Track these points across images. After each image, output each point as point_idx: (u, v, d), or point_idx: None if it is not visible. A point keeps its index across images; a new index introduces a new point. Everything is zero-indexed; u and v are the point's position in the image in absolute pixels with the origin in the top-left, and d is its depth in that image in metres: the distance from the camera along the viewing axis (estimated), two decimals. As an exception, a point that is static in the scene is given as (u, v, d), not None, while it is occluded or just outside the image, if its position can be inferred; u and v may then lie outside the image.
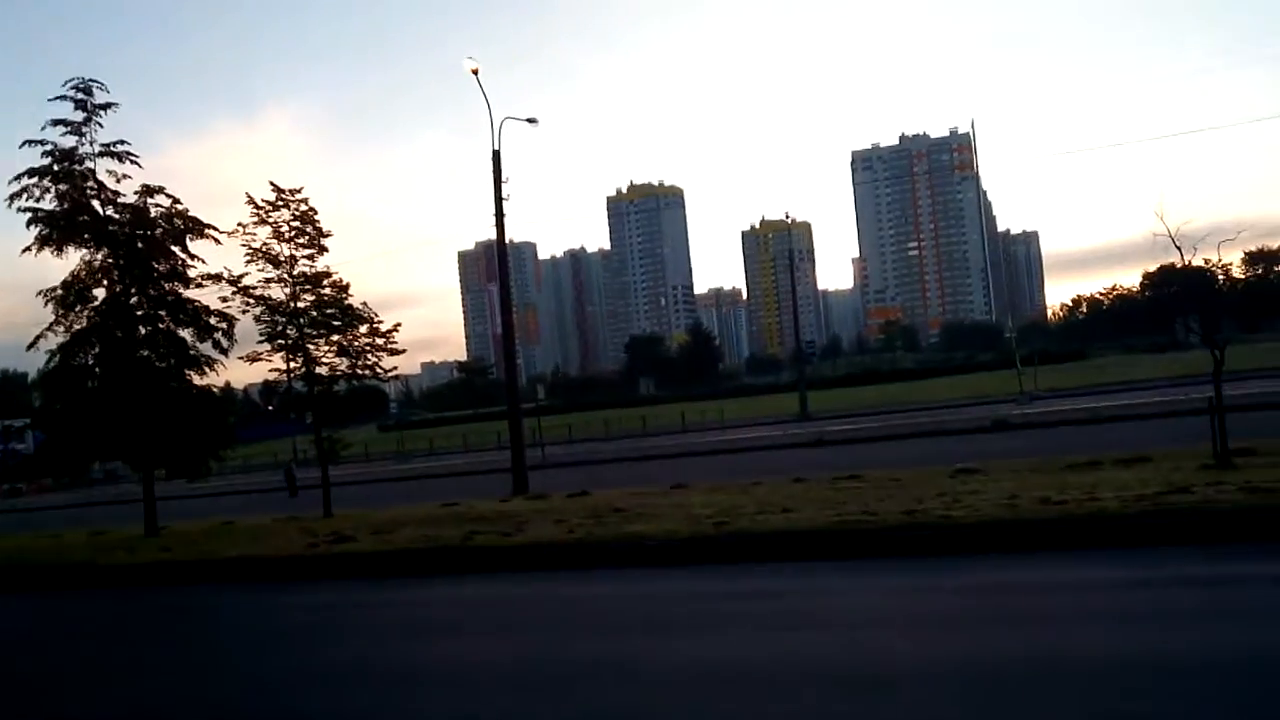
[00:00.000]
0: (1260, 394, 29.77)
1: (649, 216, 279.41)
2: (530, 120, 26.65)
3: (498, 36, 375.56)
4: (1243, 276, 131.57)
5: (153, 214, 21.66)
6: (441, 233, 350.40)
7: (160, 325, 22.18)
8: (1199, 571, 9.13)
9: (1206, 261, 17.93)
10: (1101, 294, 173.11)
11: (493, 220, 26.16)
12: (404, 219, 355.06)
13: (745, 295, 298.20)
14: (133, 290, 21.77)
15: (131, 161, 21.38)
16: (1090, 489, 12.77)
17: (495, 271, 33.92)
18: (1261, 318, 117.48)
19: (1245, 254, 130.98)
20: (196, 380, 22.58)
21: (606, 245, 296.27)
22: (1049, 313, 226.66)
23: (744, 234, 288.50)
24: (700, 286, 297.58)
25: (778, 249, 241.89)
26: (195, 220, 22.02)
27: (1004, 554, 10.75)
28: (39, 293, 21.57)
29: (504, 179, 26.03)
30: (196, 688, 8.69)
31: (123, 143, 21.37)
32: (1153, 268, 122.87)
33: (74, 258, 21.54)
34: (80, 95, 21.01)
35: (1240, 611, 7.69)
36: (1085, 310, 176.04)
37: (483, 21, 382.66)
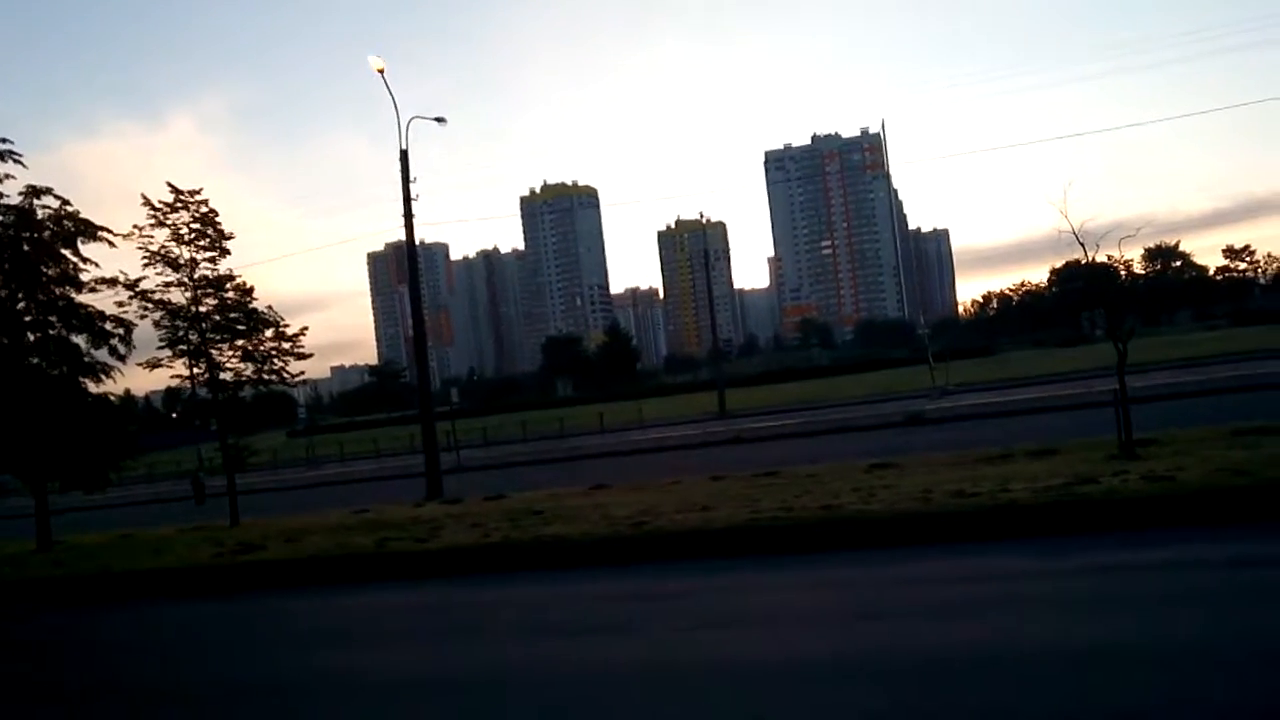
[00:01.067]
0: (1163, 385, 30.82)
1: (563, 216, 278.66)
2: (439, 120, 26.21)
3: (406, 35, 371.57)
4: (1143, 272, 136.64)
5: (39, 215, 20.65)
6: (351, 234, 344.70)
7: (51, 331, 21.16)
8: (1104, 559, 9.28)
9: (1109, 258, 18.47)
10: (1011, 290, 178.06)
11: (402, 221, 25.67)
12: (313, 221, 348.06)
13: (662, 295, 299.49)
14: (20, 295, 20.73)
15: (15, 161, 20.36)
16: (1002, 481, 12.94)
17: (406, 273, 33.31)
18: (1162, 311, 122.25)
19: (1145, 250, 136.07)
20: (92, 388, 21.64)
21: (521, 246, 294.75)
22: (960, 309, 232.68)
23: (659, 234, 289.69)
24: (617, 286, 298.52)
25: (693, 249, 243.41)
26: (87, 222, 21.05)
27: (919, 546, 10.82)
28: (-85, 297, 20.43)
29: (412, 179, 25.58)
30: (104, 706, 8.23)
31: (5, 141, 20.34)
32: (1059, 264, 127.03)
33: (-47, 261, 20.45)
34: (-44, 92, 19.93)
35: (1139, 597, 7.82)
36: (995, 306, 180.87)
37: (390, 21, 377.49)
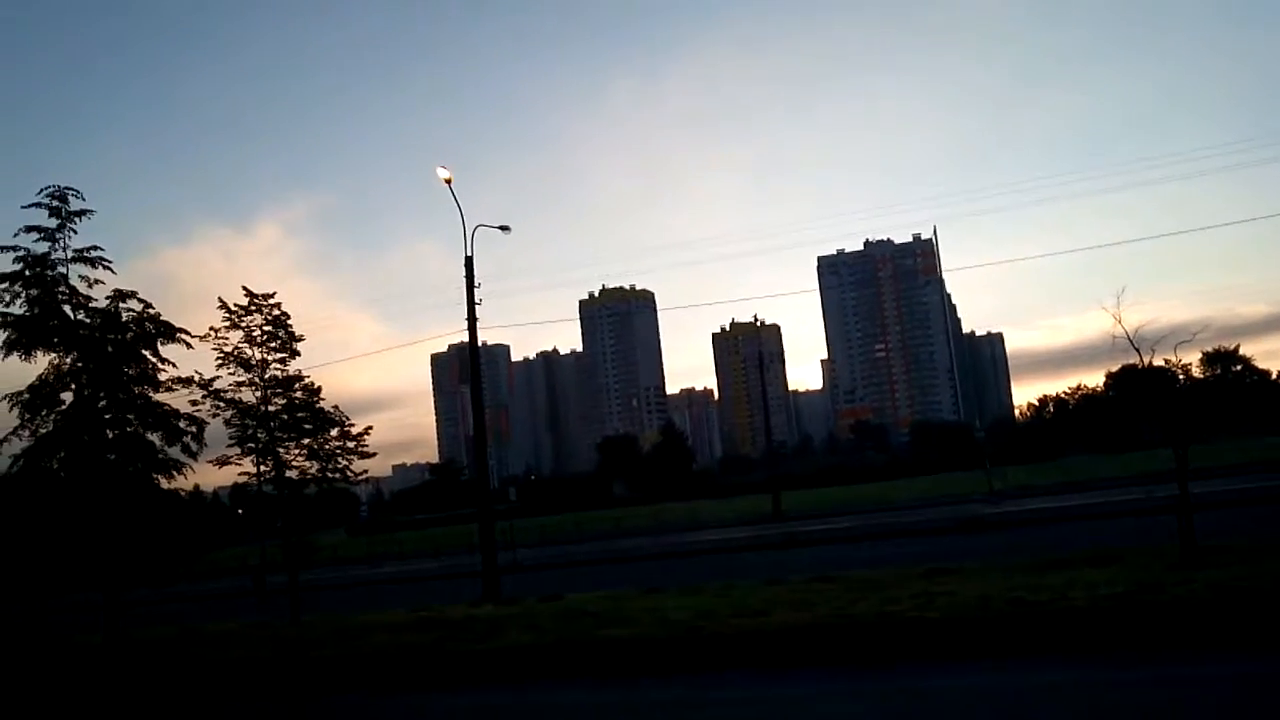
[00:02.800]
0: (1226, 492, 30.10)
1: (620, 319, 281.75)
2: (503, 228, 27.08)
3: (474, 142, 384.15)
4: (1203, 376, 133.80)
5: (124, 318, 21.59)
6: (415, 336, 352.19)
7: (128, 429, 21.91)
8: (1172, 673, 9.13)
9: (1166, 361, 18.36)
10: (1067, 393, 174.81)
11: (465, 324, 26.38)
12: (382, 324, 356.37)
13: (717, 396, 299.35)
14: (101, 394, 21.54)
15: (104, 267, 21.37)
16: (1061, 589, 12.79)
17: (468, 374, 34.01)
18: (1224, 416, 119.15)
19: (1204, 354, 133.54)
20: (164, 484, 22.24)
21: (579, 347, 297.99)
22: (1016, 412, 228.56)
23: (714, 336, 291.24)
24: (672, 387, 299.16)
25: (747, 351, 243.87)
26: (166, 324, 21.95)
27: (979, 657, 10.70)
28: (3, 397, 21.33)
29: (476, 284, 26.34)
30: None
31: (96, 248, 21.38)
32: (1115, 368, 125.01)
33: (42, 361, 21.38)
34: (55, 203, 21.09)
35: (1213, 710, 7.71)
36: (1052, 410, 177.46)
37: (459, 128, 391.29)
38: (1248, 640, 9.95)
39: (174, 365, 22.20)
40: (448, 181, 25.54)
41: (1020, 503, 41.32)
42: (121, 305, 21.57)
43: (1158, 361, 18.01)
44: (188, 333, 22.20)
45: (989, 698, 9.17)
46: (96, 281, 21.36)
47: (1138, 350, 16.42)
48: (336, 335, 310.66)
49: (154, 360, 21.94)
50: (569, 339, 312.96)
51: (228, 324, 22.21)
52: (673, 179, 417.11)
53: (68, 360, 21.44)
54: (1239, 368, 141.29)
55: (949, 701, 9.24)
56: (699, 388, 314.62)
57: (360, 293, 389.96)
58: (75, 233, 21.30)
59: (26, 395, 21.08)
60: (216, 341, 22.16)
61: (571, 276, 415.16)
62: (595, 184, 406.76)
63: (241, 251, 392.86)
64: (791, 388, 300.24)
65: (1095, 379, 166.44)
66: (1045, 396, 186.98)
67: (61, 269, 21.21)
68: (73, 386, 21.55)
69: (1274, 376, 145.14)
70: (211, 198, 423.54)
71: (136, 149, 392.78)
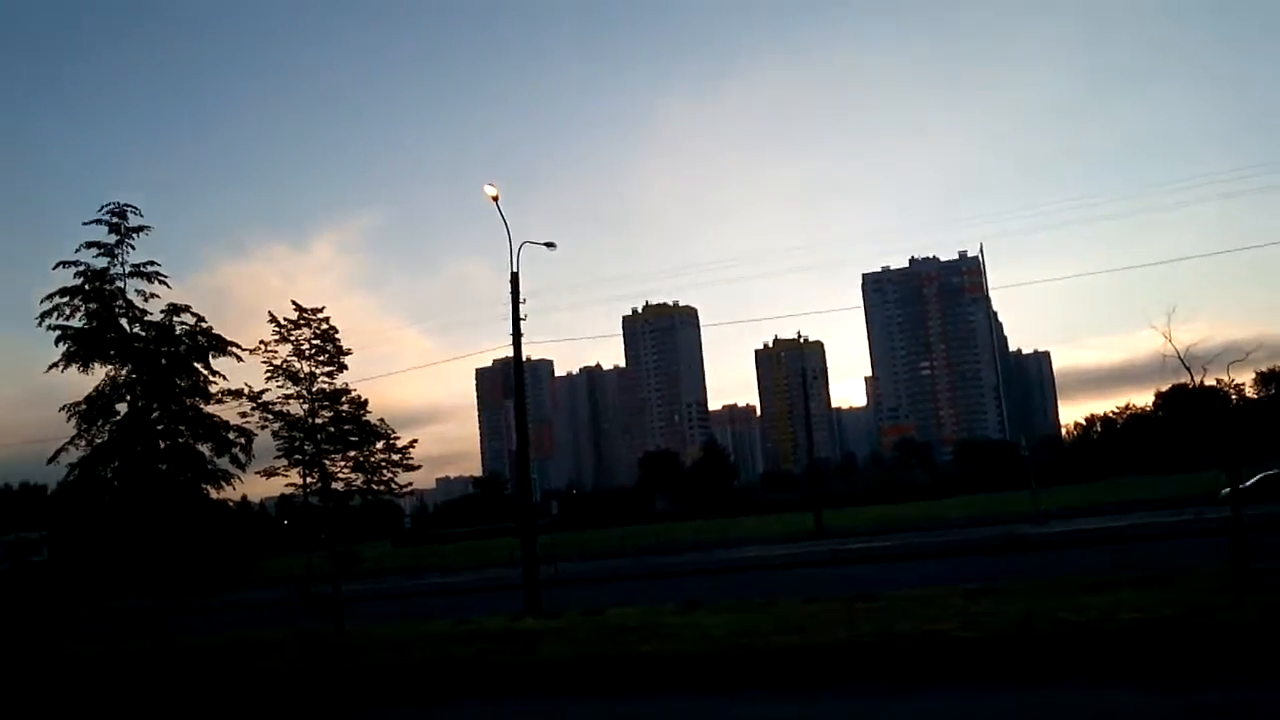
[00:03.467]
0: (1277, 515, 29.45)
1: (664, 335, 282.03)
2: (548, 245, 27.34)
3: (524, 164, 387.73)
4: (1256, 396, 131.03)
5: (177, 331, 22.09)
6: (460, 351, 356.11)
7: (180, 440, 22.37)
8: (1224, 699, 8.99)
9: (1219, 381, 18.01)
10: (1115, 413, 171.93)
11: (510, 339, 26.64)
12: (430, 338, 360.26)
13: (759, 412, 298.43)
14: (154, 405, 22.04)
15: (160, 281, 21.92)
16: (1108, 610, 12.63)
17: (512, 389, 34.29)
18: (1276, 438, 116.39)
19: (1257, 374, 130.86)
20: (213, 494, 22.67)
21: (622, 363, 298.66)
22: (1063, 431, 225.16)
23: (757, 352, 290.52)
24: (714, 403, 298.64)
25: (791, 367, 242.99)
26: (218, 338, 22.42)
27: (1020, 678, 10.61)
28: (62, 407, 21.85)
29: (522, 300, 26.59)
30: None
31: (153, 263, 21.93)
32: (1165, 387, 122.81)
33: (99, 373, 21.92)
34: (114, 219, 21.66)
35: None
36: (1099, 429, 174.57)
37: (507, 145, 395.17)
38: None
39: (224, 377, 22.66)
40: (495, 199, 25.85)
41: (1066, 523, 40.72)
42: (175, 319, 22.09)
43: (1209, 381, 17.73)
44: (238, 346, 22.65)
45: (1028, 717, 9.10)
46: (152, 295, 21.92)
47: (1188, 369, 16.20)
48: (386, 350, 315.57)
49: (205, 372, 22.40)
50: (612, 355, 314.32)
51: (277, 337, 22.60)
52: (721, 197, 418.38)
53: (123, 372, 21.96)
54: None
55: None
56: (741, 404, 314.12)
57: (410, 308, 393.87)
58: (133, 248, 21.88)
59: (84, 406, 21.63)
60: (266, 354, 22.55)
61: (616, 292, 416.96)
62: (644, 202, 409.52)
63: (298, 268, 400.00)
64: (835, 405, 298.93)
65: (1144, 399, 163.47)
66: (1093, 416, 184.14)
67: (119, 283, 21.79)
68: (127, 398, 22.06)
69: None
70: (270, 215, 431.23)
71: (198, 165, 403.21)
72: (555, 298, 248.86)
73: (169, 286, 22.07)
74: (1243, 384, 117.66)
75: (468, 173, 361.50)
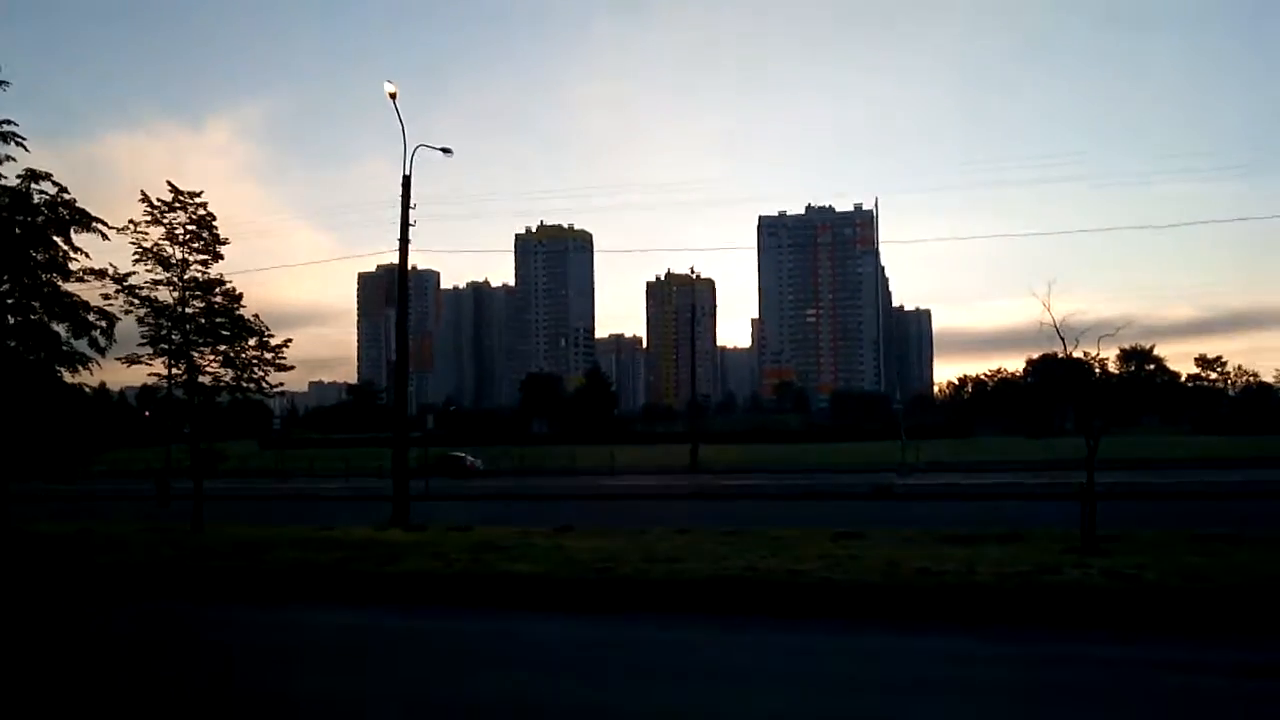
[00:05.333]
0: (1127, 484, 31.10)
1: (556, 258, 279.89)
2: (445, 150, 26.34)
3: (434, 61, 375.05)
4: (1117, 372, 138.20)
5: (35, 200, 20.62)
6: (344, 252, 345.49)
7: (32, 317, 21.03)
8: (1062, 651, 9.36)
9: (1086, 354, 18.68)
10: (987, 375, 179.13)
11: (397, 245, 25.75)
12: (322, 235, 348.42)
13: (645, 344, 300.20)
14: (5, 277, 20.63)
15: (17, 143, 20.32)
16: (966, 563, 13.02)
17: (394, 296, 33.33)
18: (1132, 412, 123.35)
19: (1121, 350, 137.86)
20: (68, 377, 21.47)
21: (511, 282, 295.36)
22: (936, 388, 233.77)
23: (649, 284, 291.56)
24: (601, 331, 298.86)
25: (681, 303, 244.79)
26: (82, 212, 21.00)
27: (880, 619, 10.88)
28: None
29: (412, 205, 25.67)
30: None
31: (9, 122, 20.30)
32: (1036, 355, 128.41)
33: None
34: (-38, 71, 19.97)
35: (1094, 692, 7.90)
36: (970, 390, 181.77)
37: (421, 43, 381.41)
38: (1136, 628, 10.24)
39: (87, 255, 21.31)
40: (393, 96, 24.73)
41: (931, 477, 42.24)
42: (34, 186, 20.59)
43: (1078, 353, 18.30)
44: (104, 223, 21.31)
45: (880, 657, 9.30)
46: (7, 158, 20.35)
47: (1062, 339, 16.64)
48: (276, 245, 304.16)
49: (65, 248, 21.04)
50: (503, 273, 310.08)
51: (149, 219, 21.33)
52: (635, 125, 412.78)
53: (-31, 238, 20.46)
54: (1152, 367, 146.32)
55: (847, 654, 9.37)
56: (628, 334, 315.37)
57: (307, 204, 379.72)
58: (-13, 104, 20.23)
59: (-80, 268, 20.10)
60: (135, 235, 21.27)
61: (515, 208, 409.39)
62: (557, 120, 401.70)
63: (190, 148, 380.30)
64: (720, 344, 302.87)
65: (1017, 364, 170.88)
66: (965, 376, 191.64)
67: (-35, 141, 20.14)
68: (-27, 266, 20.60)
69: (1182, 379, 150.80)
70: (163, 87, 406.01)
71: (86, 19, 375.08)
72: (450, 208, 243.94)
73: (27, 150, 20.53)
74: (1107, 359, 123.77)
75: (380, 66, 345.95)
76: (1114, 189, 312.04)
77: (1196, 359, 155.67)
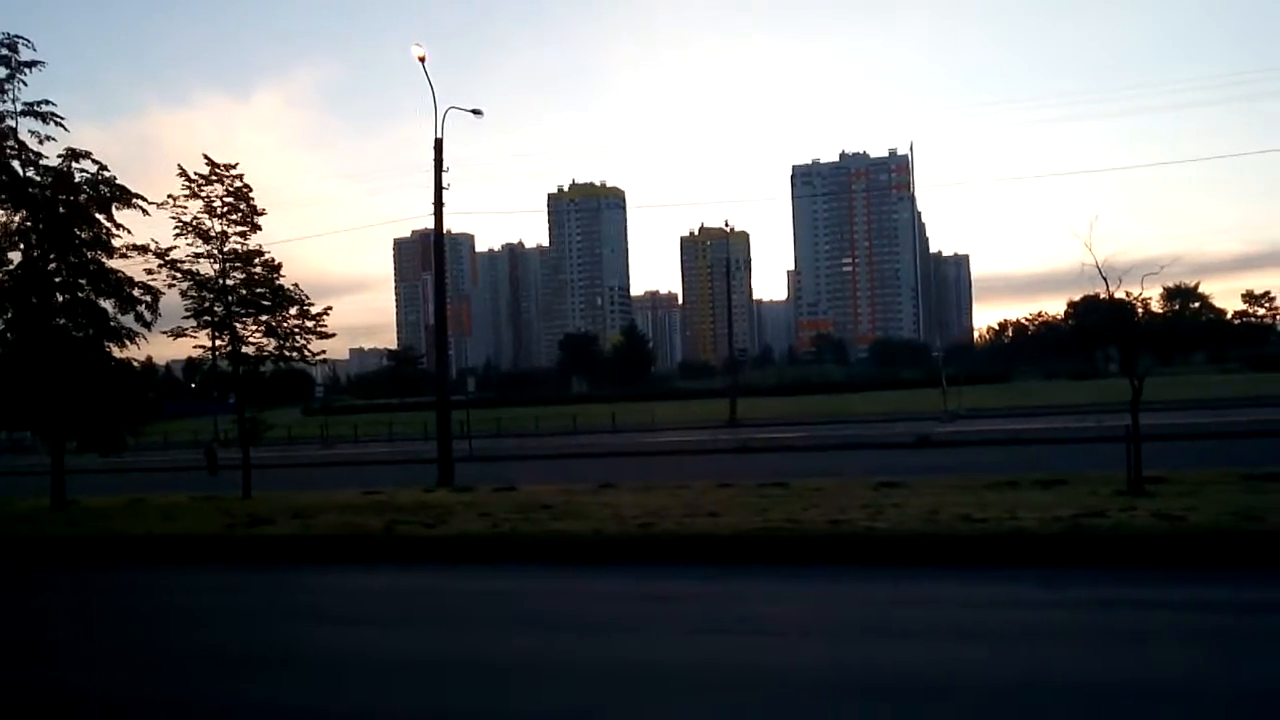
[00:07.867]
0: (1174, 425, 30.73)
1: (589, 216, 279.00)
2: (475, 111, 26.37)
3: (448, 31, 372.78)
4: (1161, 311, 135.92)
5: (76, 179, 20.94)
6: (381, 219, 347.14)
7: (80, 294, 21.45)
8: (1109, 594, 9.36)
9: (1128, 294, 18.34)
10: (1027, 320, 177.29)
11: (431, 209, 25.87)
12: (368, 202, 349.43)
13: (681, 300, 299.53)
14: (52, 256, 21.02)
15: (56, 123, 20.61)
16: (1009, 508, 13.01)
17: (431, 261, 33.48)
18: (1177, 351, 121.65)
19: (1164, 289, 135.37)
20: (116, 352, 21.91)
21: (545, 242, 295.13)
22: (976, 335, 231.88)
23: (683, 240, 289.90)
24: (637, 289, 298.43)
25: (715, 257, 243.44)
26: (122, 188, 21.33)
27: (924, 567, 10.91)
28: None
29: (445, 168, 25.74)
30: (93, 673, 8.40)
31: (47, 103, 20.59)
32: (1077, 297, 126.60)
33: (-9, 217, 20.77)
34: (3, 51, 20.21)
35: (1145, 634, 7.91)
36: (1011, 335, 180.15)
37: (435, 15, 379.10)
38: (1184, 568, 10.20)
39: (129, 231, 21.71)
40: (421, 59, 24.74)
41: (973, 424, 41.97)
42: (75, 165, 20.94)
43: (1121, 293, 17.97)
44: (144, 199, 21.64)
45: (926, 603, 9.35)
46: (48, 138, 20.66)
47: (1105, 279, 16.31)
48: (324, 214, 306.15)
49: (108, 224, 21.44)
50: (536, 233, 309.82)
51: (187, 193, 21.56)
52: (668, 77, 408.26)
53: (16, 219, 20.86)
54: (1197, 304, 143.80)
55: (892, 602, 9.43)
56: (664, 291, 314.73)
57: (357, 172, 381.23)
58: (25, 85, 20.51)
59: (-28, 253, 20.54)
60: (175, 210, 21.55)
61: (546, 168, 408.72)
62: (592, 76, 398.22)
63: (238, 120, 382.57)
64: (756, 297, 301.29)
65: (1058, 307, 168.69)
66: (1006, 321, 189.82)
67: (10, 121, 20.46)
68: (21, 246, 21.01)
69: (1229, 316, 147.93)
70: (210, 60, 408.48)
71: (135, 7, 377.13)
72: (484, 168, 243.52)
73: (66, 129, 20.85)
74: (1150, 298, 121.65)
75: (416, 28, 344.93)
76: (1154, 124, 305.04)
77: (1243, 295, 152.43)
